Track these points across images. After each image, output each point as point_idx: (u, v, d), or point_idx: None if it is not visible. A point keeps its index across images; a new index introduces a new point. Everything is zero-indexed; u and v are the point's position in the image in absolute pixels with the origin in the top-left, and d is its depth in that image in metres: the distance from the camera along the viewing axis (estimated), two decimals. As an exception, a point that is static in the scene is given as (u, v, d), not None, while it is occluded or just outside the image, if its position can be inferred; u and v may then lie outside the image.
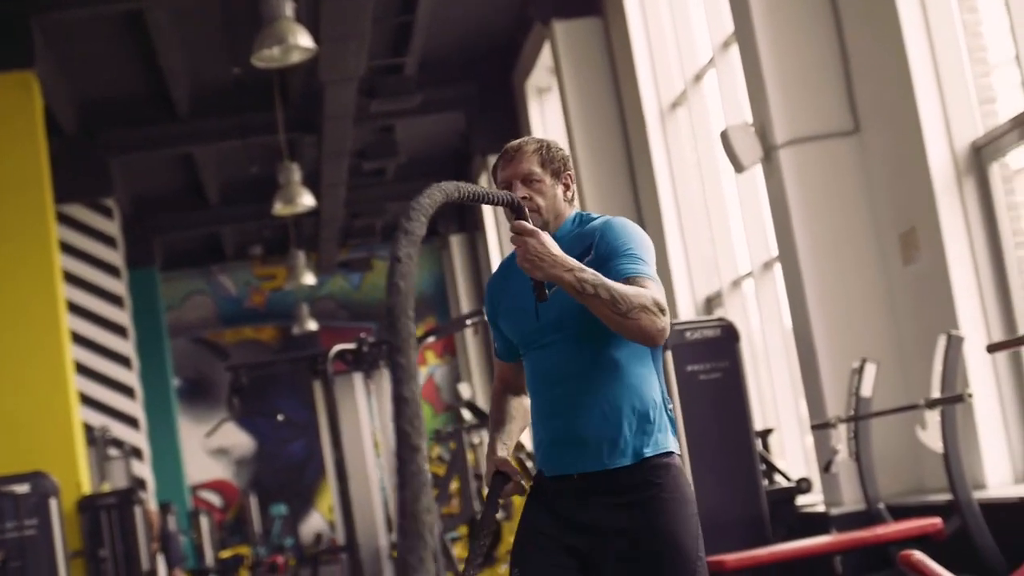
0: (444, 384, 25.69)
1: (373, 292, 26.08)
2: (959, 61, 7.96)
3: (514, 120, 17.82)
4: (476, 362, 23.71)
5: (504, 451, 3.97)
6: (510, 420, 4.07)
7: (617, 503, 3.77)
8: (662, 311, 3.64)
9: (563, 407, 3.81)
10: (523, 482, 3.91)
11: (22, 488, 9.96)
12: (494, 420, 4.09)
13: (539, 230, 3.59)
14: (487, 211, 20.67)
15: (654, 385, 3.85)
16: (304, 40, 10.98)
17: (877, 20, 8.29)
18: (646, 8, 12.67)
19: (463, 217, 22.79)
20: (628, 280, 3.68)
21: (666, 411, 3.88)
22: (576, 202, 4.04)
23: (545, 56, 15.51)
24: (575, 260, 3.61)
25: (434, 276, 26.02)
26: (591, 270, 3.61)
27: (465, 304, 23.22)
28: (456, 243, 23.49)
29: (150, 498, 16.86)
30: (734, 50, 10.65)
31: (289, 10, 11.04)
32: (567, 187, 3.97)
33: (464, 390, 19.52)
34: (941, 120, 7.93)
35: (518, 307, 3.93)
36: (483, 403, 20.47)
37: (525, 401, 4.11)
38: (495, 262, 20.35)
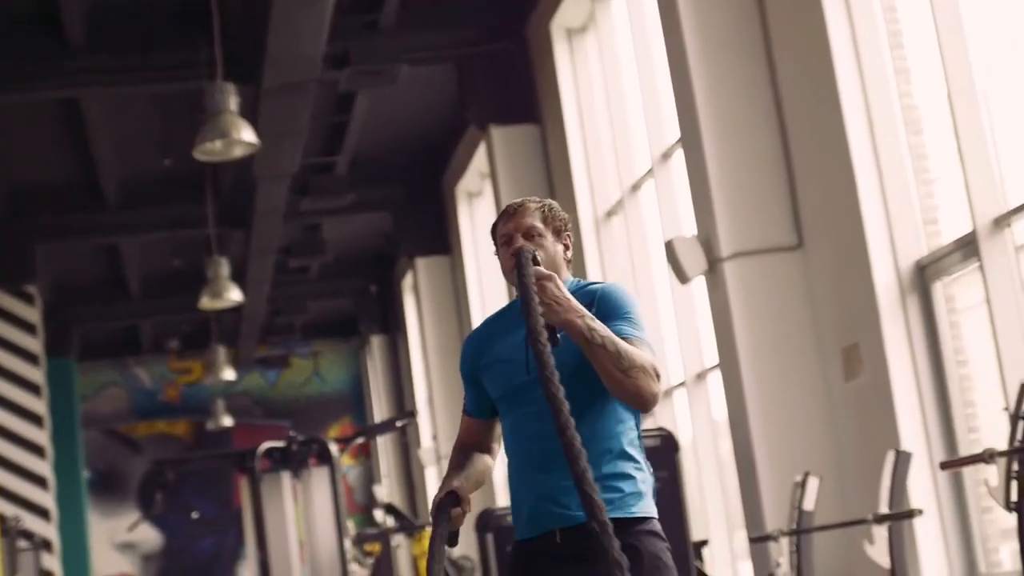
0: (357, 485, 25.47)
1: (289, 389, 25.93)
2: (904, 181, 8.10)
3: (442, 223, 17.89)
4: (391, 464, 23.54)
5: (458, 483, 3.94)
6: (469, 467, 4.03)
7: (595, 569, 3.62)
8: (658, 377, 3.73)
9: (551, 462, 3.75)
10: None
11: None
12: (452, 466, 4.04)
13: (555, 274, 3.67)
14: (410, 313, 20.63)
15: (637, 451, 3.89)
16: (247, 135, 10.94)
17: (824, 137, 8.43)
18: (584, 117, 12.79)
19: (385, 317, 22.75)
20: (627, 342, 3.74)
21: (649, 477, 3.92)
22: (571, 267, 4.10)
23: (478, 160, 15.59)
24: (585, 308, 3.67)
25: (352, 376, 25.90)
26: (599, 322, 3.68)
27: (384, 406, 23.07)
28: (377, 344, 23.41)
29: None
30: (673, 161, 10.79)
31: (234, 104, 11.01)
32: (567, 247, 4.02)
33: (380, 492, 19.37)
34: (886, 238, 8.05)
35: (506, 360, 3.93)
36: (402, 505, 20.27)
37: (487, 460, 4.10)
38: (416, 363, 20.28)
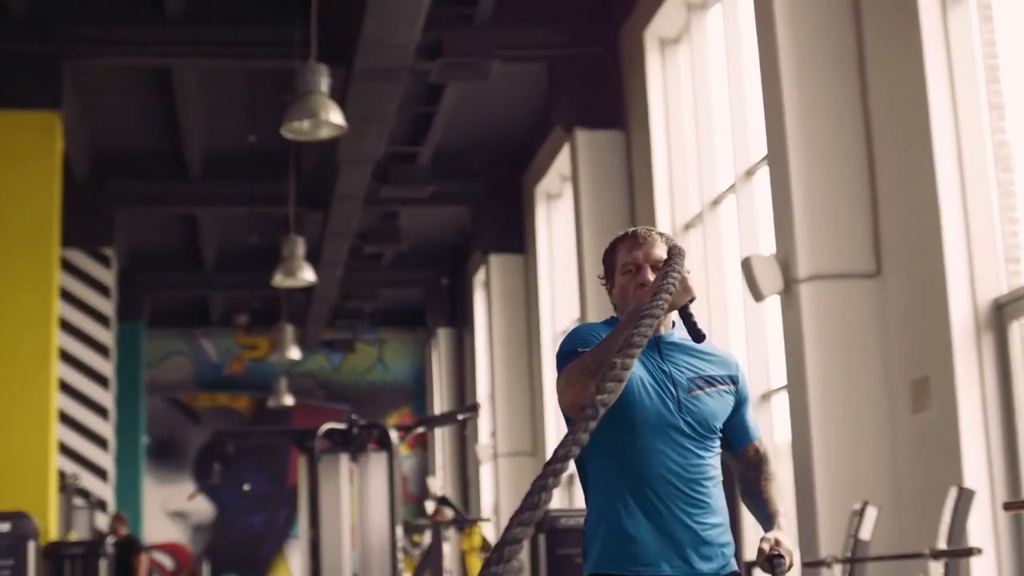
0: (412, 476, 25.55)
1: (352, 375, 26.05)
2: (990, 217, 8.02)
3: (519, 222, 17.89)
4: (446, 457, 23.58)
5: None
6: None
7: None
8: None
9: (688, 508, 3.76)
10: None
11: (3, 527, 9.85)
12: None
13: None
14: (479, 308, 20.65)
15: None
16: (336, 117, 11.01)
17: (911, 166, 8.36)
18: (670, 127, 12.75)
19: (454, 311, 22.79)
20: (758, 442, 3.98)
21: None
22: None
23: (560, 162, 15.60)
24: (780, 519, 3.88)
25: (415, 367, 25.98)
26: (782, 512, 3.91)
27: (446, 398, 23.11)
28: (443, 336, 23.44)
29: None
30: (756, 179, 10.75)
31: (324, 85, 11.07)
32: None
33: (433, 483, 19.40)
34: (966, 273, 7.97)
35: (656, 389, 3.80)
36: (454, 499, 20.28)
37: None
38: (481, 358, 20.28)
